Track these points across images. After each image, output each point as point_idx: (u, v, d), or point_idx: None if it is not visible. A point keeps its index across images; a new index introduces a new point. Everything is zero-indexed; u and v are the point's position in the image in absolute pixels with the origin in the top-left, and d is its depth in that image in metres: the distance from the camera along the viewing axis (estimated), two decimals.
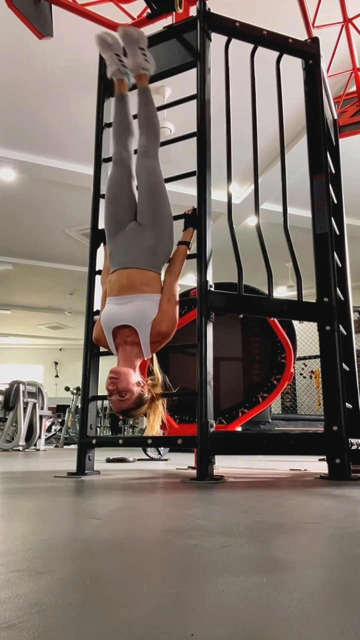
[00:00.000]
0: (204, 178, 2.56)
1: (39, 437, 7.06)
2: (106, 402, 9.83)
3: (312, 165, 2.78)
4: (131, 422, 10.32)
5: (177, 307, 2.26)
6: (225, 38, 2.84)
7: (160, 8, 3.02)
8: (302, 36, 3.12)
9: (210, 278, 2.47)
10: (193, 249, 2.48)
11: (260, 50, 2.86)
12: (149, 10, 3.15)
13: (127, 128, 2.55)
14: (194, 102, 2.73)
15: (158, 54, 2.92)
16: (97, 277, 2.73)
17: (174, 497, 1.81)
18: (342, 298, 2.82)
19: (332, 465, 2.27)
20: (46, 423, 7.78)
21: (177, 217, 2.63)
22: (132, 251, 2.26)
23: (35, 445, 7.01)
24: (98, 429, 6.94)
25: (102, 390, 2.49)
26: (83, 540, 1.00)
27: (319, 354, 2.50)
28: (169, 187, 2.45)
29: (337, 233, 3.02)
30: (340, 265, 2.92)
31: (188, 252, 2.43)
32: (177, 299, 2.28)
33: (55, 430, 10.38)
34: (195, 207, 2.53)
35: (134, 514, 1.38)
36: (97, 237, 2.82)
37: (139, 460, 4.57)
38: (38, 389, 7.29)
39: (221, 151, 2.71)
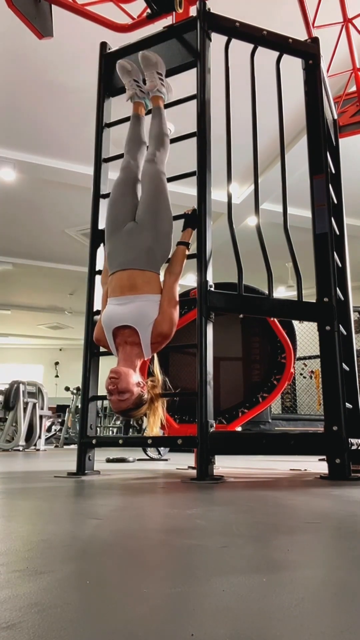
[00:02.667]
0: (204, 178, 2.56)
1: (39, 437, 7.05)
2: (106, 402, 9.82)
3: (312, 165, 2.78)
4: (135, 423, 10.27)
5: (177, 308, 2.26)
6: (225, 38, 2.84)
7: (160, 8, 3.02)
8: (302, 36, 3.11)
9: (210, 278, 2.47)
10: (193, 249, 2.48)
11: (260, 50, 2.86)
12: (149, 10, 3.15)
13: (139, 143, 2.70)
14: (194, 102, 2.73)
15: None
16: (97, 277, 2.73)
17: (174, 497, 1.81)
18: (342, 298, 2.82)
19: (332, 465, 2.27)
20: (46, 423, 7.78)
21: (177, 217, 2.63)
22: (130, 252, 2.27)
23: (35, 445, 7.01)
24: (99, 429, 6.94)
25: (102, 390, 2.49)
26: (83, 540, 1.00)
27: (319, 354, 2.50)
28: (168, 187, 2.46)
29: (337, 233, 3.02)
30: (340, 265, 2.92)
31: (187, 253, 2.44)
32: (177, 299, 2.28)
33: (55, 430, 10.37)
34: (195, 207, 2.53)
35: (134, 514, 1.38)
36: (97, 237, 2.82)
37: (139, 460, 4.57)
38: (38, 389, 7.29)
39: (221, 151, 2.71)
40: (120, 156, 2.95)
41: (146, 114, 2.84)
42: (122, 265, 2.26)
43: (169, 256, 2.39)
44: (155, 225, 2.33)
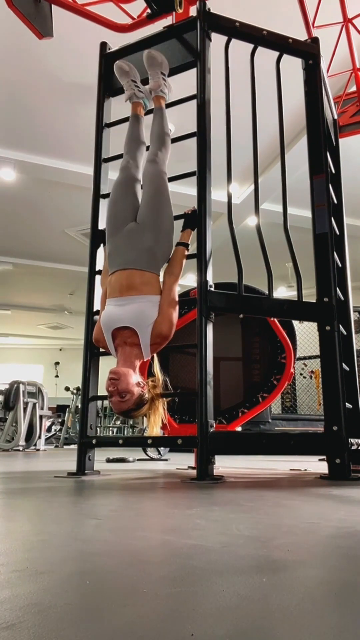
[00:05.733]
0: (204, 178, 2.56)
1: (39, 437, 7.05)
2: (106, 402, 9.82)
3: (312, 165, 2.78)
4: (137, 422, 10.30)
5: (177, 309, 2.26)
6: (225, 38, 2.84)
7: (160, 8, 3.02)
8: (302, 36, 3.11)
9: (210, 278, 2.47)
10: (193, 249, 2.48)
11: (260, 50, 2.86)
12: (149, 10, 3.15)
13: (138, 143, 2.70)
14: (194, 102, 2.73)
15: None
16: (97, 277, 2.73)
17: (174, 497, 1.81)
18: (342, 298, 2.82)
19: (332, 465, 2.27)
20: (46, 423, 7.78)
21: (176, 217, 2.63)
22: (131, 252, 2.27)
23: (35, 445, 7.01)
24: (99, 429, 6.94)
25: (102, 390, 2.49)
26: (83, 540, 1.00)
27: (319, 354, 2.50)
28: (168, 186, 2.46)
29: (337, 233, 3.02)
30: (340, 265, 2.92)
31: (187, 253, 2.43)
32: (177, 300, 2.28)
33: (55, 430, 10.38)
34: (195, 207, 2.53)
35: (134, 514, 1.38)
36: (97, 237, 2.82)
37: (139, 460, 4.57)
38: (38, 389, 7.29)
39: (221, 151, 2.71)
40: (120, 156, 2.96)
41: (146, 113, 2.83)
42: (122, 265, 2.26)
43: (169, 257, 2.39)
44: (157, 226, 2.32)
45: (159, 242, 2.31)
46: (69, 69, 4.78)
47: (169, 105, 3.01)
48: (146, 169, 2.53)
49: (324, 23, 3.83)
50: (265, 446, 2.37)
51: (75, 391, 9.59)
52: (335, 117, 3.60)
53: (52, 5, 3.32)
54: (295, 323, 3.53)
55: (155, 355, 2.31)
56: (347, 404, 2.47)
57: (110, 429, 10.59)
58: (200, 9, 2.78)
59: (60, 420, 10.52)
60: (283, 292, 9.79)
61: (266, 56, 2.86)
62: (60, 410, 11.37)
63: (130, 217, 2.39)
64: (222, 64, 2.81)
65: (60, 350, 17.17)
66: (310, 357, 7.41)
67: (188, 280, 7.88)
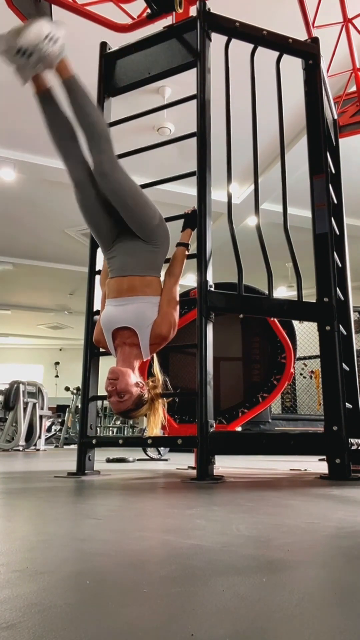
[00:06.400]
0: (204, 178, 2.56)
1: (39, 437, 7.06)
2: (107, 402, 9.82)
3: (312, 165, 2.78)
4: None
5: (177, 310, 2.25)
6: (225, 38, 2.84)
7: (160, 8, 3.02)
8: (302, 36, 3.11)
9: (210, 278, 2.47)
10: (193, 248, 2.48)
11: (260, 50, 2.86)
12: (149, 10, 3.15)
13: (72, 136, 2.21)
14: (194, 102, 2.73)
15: (158, 54, 2.93)
16: (97, 277, 2.73)
17: (174, 497, 1.81)
18: (342, 298, 2.82)
19: (332, 465, 2.27)
20: (46, 423, 7.78)
21: (176, 217, 2.63)
22: (130, 260, 2.22)
23: (35, 445, 7.01)
24: (99, 429, 6.95)
25: (102, 390, 2.49)
26: (83, 540, 1.00)
27: (319, 354, 2.50)
28: (168, 187, 2.46)
29: (337, 233, 3.02)
30: (340, 265, 2.92)
31: (187, 253, 2.43)
32: (177, 301, 2.28)
33: (55, 430, 10.38)
34: (195, 207, 2.53)
35: (134, 514, 1.38)
36: None
37: (139, 460, 4.57)
38: (38, 389, 7.29)
39: (221, 151, 2.71)
40: (120, 156, 2.95)
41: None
42: (122, 272, 2.22)
43: (169, 255, 2.38)
44: (153, 235, 2.24)
45: (158, 247, 2.26)
46: None
47: (168, 106, 3.01)
48: (102, 185, 2.12)
49: (324, 23, 3.83)
50: (265, 446, 2.37)
51: (75, 391, 9.60)
52: (335, 117, 3.60)
53: (52, 5, 3.32)
54: (295, 323, 3.54)
55: (155, 355, 2.31)
56: (347, 404, 2.47)
57: (110, 429, 10.59)
58: (200, 9, 2.78)
59: (60, 420, 10.53)
60: (283, 292, 9.79)
61: (266, 56, 2.86)
62: (60, 410, 11.38)
63: (116, 226, 2.25)
64: (222, 64, 2.81)
65: (60, 350, 17.17)
66: (310, 357, 7.41)
67: (188, 280, 7.87)
